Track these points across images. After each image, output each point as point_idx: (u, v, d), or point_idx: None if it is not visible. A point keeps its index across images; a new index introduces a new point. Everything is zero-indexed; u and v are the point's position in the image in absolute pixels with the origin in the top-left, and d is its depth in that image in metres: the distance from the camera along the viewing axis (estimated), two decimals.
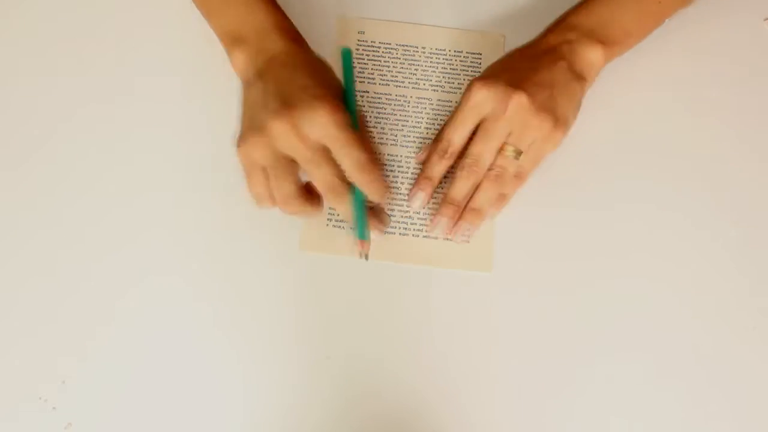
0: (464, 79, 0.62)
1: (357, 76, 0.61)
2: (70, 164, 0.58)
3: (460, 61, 0.62)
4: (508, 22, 0.61)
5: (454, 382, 0.53)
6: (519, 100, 0.53)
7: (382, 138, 0.60)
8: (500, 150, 0.55)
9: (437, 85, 0.62)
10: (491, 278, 0.56)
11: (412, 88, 0.62)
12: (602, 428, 0.52)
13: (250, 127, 0.51)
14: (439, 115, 0.61)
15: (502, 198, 0.57)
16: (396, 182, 0.59)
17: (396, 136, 0.60)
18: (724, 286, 0.56)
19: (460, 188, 0.56)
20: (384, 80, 0.62)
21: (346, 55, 0.54)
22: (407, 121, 0.61)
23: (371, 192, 0.51)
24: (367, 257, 0.55)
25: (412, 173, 0.59)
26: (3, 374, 0.52)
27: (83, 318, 0.54)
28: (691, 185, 0.59)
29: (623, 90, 0.62)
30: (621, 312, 0.55)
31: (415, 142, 0.60)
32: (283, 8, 0.59)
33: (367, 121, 0.60)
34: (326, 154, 0.50)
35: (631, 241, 0.57)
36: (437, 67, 0.62)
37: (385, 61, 0.62)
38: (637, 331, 0.55)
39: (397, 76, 0.62)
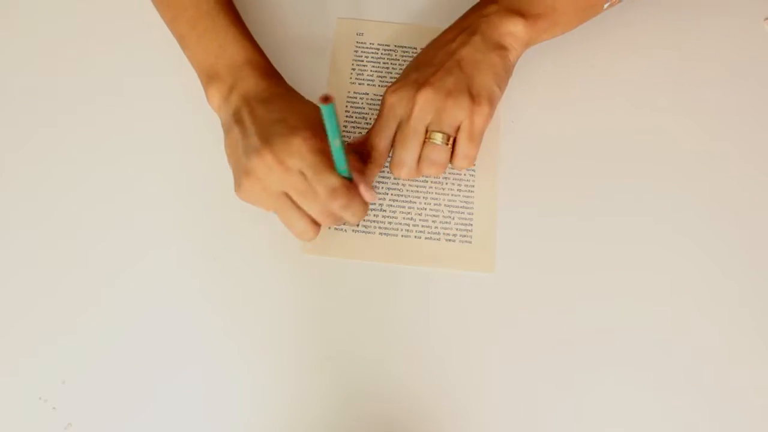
0: None
1: (356, 78, 0.61)
2: (71, 167, 0.58)
3: None
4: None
5: (455, 384, 0.53)
6: (424, 95, 0.54)
7: None
8: (426, 139, 0.55)
9: None
10: (494, 279, 0.56)
11: None
12: None
13: (240, 173, 0.52)
14: None
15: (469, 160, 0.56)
16: (398, 183, 0.59)
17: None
18: (725, 293, 0.55)
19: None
20: (383, 82, 0.62)
21: (327, 111, 0.47)
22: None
23: (346, 216, 0.52)
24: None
25: None
26: (3, 374, 0.52)
27: (84, 318, 0.54)
28: (692, 187, 0.59)
29: (622, 91, 0.62)
30: (625, 313, 0.55)
31: None
32: (283, 10, 0.59)
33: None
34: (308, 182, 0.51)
35: (635, 241, 0.57)
36: None
37: (384, 63, 0.62)
38: (640, 333, 0.54)
39: (396, 78, 0.60)
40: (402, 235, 0.58)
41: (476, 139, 0.55)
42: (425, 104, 0.54)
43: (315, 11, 0.62)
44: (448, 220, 0.58)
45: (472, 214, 0.58)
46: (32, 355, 0.52)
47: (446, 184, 0.59)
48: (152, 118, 0.60)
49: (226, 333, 0.54)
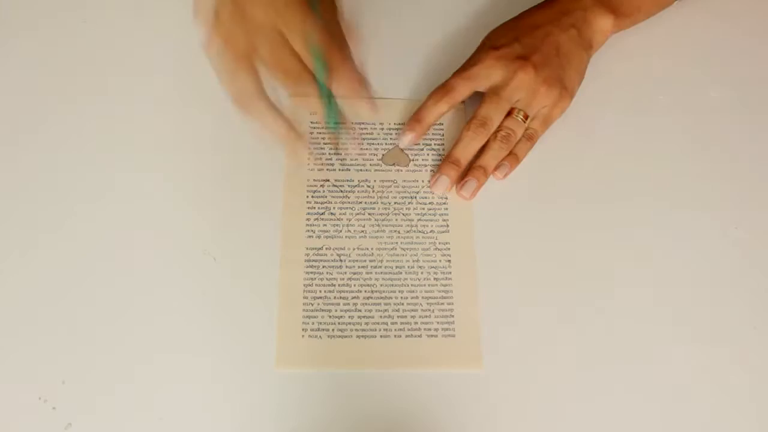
0: (428, 154, 0.61)
1: (314, 164, 0.61)
2: (71, 167, 0.61)
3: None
4: None
5: None
6: (525, 75, 0.58)
7: (349, 231, 0.59)
8: (509, 114, 0.59)
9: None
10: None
11: (375, 170, 0.61)
12: None
13: (214, 17, 0.51)
14: (406, 198, 0.60)
15: (514, 158, 0.60)
16: (370, 278, 0.57)
17: (364, 226, 0.59)
18: (726, 297, 0.58)
19: (464, 147, 0.59)
20: (343, 164, 0.61)
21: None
22: (374, 208, 0.60)
23: (334, 61, 0.50)
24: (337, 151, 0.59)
25: (385, 267, 0.57)
26: (3, 374, 0.54)
27: (84, 318, 0.55)
28: (695, 183, 0.62)
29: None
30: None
31: (384, 231, 0.59)
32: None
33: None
34: (284, 37, 0.50)
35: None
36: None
37: (342, 143, 0.61)
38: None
39: (357, 159, 0.61)
40: (381, 336, 0.55)
41: (548, 125, 0.61)
42: (523, 82, 0.59)
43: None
44: (427, 313, 0.56)
45: (452, 304, 0.56)
46: (32, 355, 0.54)
47: (421, 273, 0.57)
48: (152, 117, 0.63)
49: (227, 334, 0.55)
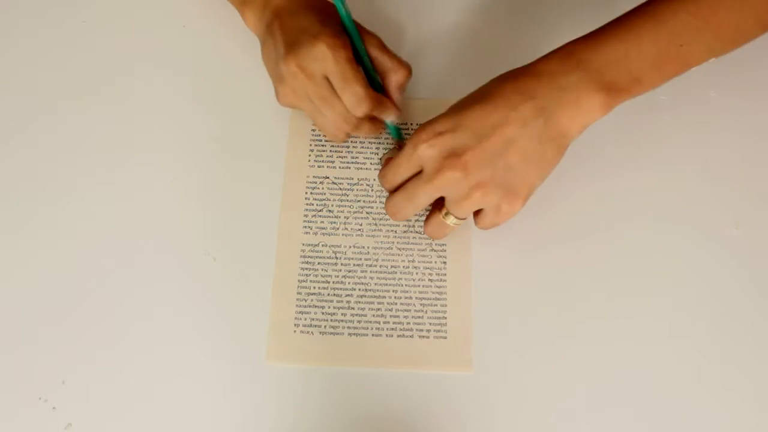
0: None
1: (315, 161, 0.61)
2: (70, 168, 0.61)
3: None
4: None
5: None
6: (450, 176, 0.49)
7: (346, 228, 0.59)
8: (438, 211, 0.54)
9: None
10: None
11: (375, 169, 0.60)
12: None
13: (274, 80, 0.57)
14: None
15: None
16: (365, 277, 0.57)
17: (361, 225, 0.59)
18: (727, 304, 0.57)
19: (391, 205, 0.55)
20: (344, 163, 0.61)
21: (338, 5, 0.53)
22: (372, 207, 0.59)
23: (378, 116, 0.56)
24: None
25: (380, 266, 0.58)
26: (3, 374, 0.54)
27: (84, 318, 0.56)
28: (695, 183, 0.61)
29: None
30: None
31: (381, 230, 0.59)
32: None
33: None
34: (335, 92, 0.54)
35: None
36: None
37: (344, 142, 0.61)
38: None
39: (357, 157, 0.61)
40: (372, 335, 0.55)
41: (494, 226, 0.53)
42: (448, 184, 0.50)
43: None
44: (420, 314, 0.56)
45: (446, 306, 0.56)
46: (32, 355, 0.54)
47: (416, 274, 0.57)
48: (152, 116, 0.64)
49: (220, 326, 0.56)
